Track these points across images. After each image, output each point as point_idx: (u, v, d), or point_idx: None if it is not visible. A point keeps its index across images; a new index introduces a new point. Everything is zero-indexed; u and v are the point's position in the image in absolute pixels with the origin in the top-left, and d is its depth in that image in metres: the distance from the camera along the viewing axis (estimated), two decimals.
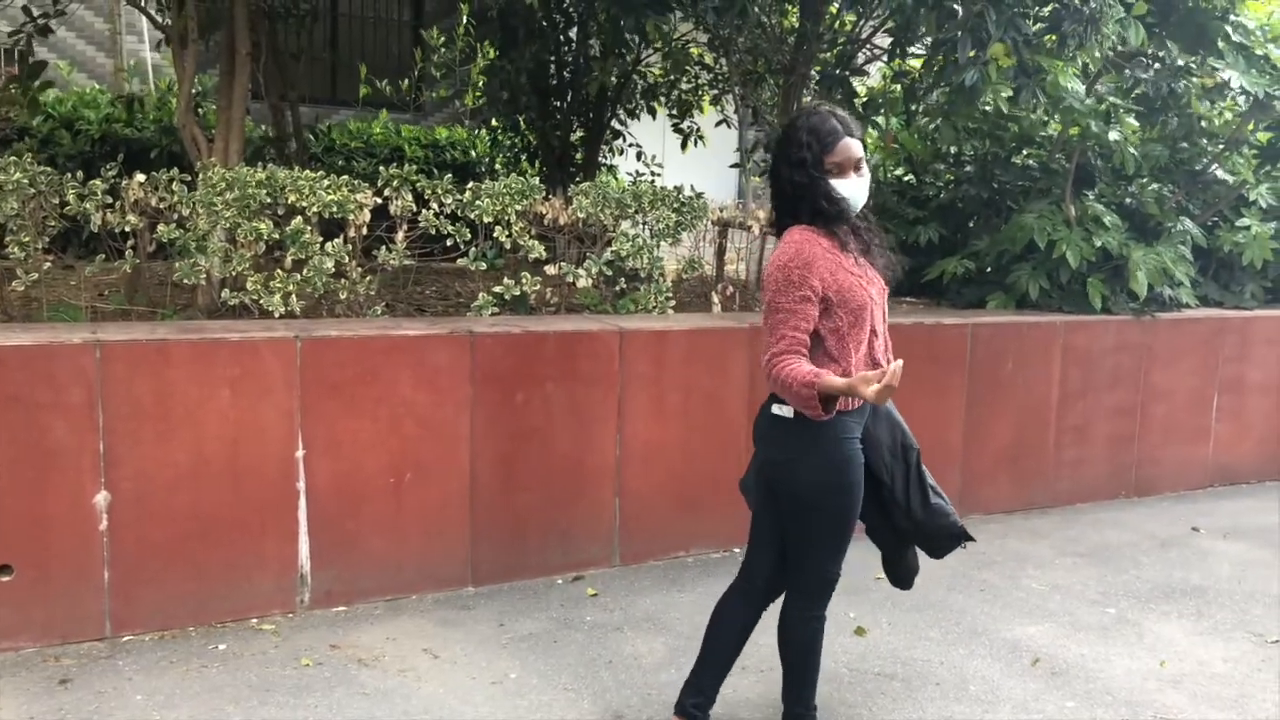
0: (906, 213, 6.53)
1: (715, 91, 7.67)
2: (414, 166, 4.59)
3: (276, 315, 4.11)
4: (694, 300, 5.63)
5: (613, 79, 6.05)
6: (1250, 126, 6.01)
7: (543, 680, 3.49)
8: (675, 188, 4.90)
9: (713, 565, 4.57)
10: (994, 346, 5.36)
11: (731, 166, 7.62)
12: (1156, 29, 5.43)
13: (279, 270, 4.09)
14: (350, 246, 4.26)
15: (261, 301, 4.10)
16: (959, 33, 4.16)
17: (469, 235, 4.47)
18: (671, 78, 7.76)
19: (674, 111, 7.85)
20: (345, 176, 4.30)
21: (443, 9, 9.88)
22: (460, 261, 4.50)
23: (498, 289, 4.51)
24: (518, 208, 4.45)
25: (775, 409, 2.77)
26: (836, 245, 2.71)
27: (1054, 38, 4.68)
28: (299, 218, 4.09)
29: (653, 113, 7.78)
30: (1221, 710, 3.48)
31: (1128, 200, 6.04)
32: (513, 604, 4.08)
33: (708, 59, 7.47)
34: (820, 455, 2.71)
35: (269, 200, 4.07)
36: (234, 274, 4.12)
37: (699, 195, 4.94)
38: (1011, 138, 6.48)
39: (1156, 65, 5.27)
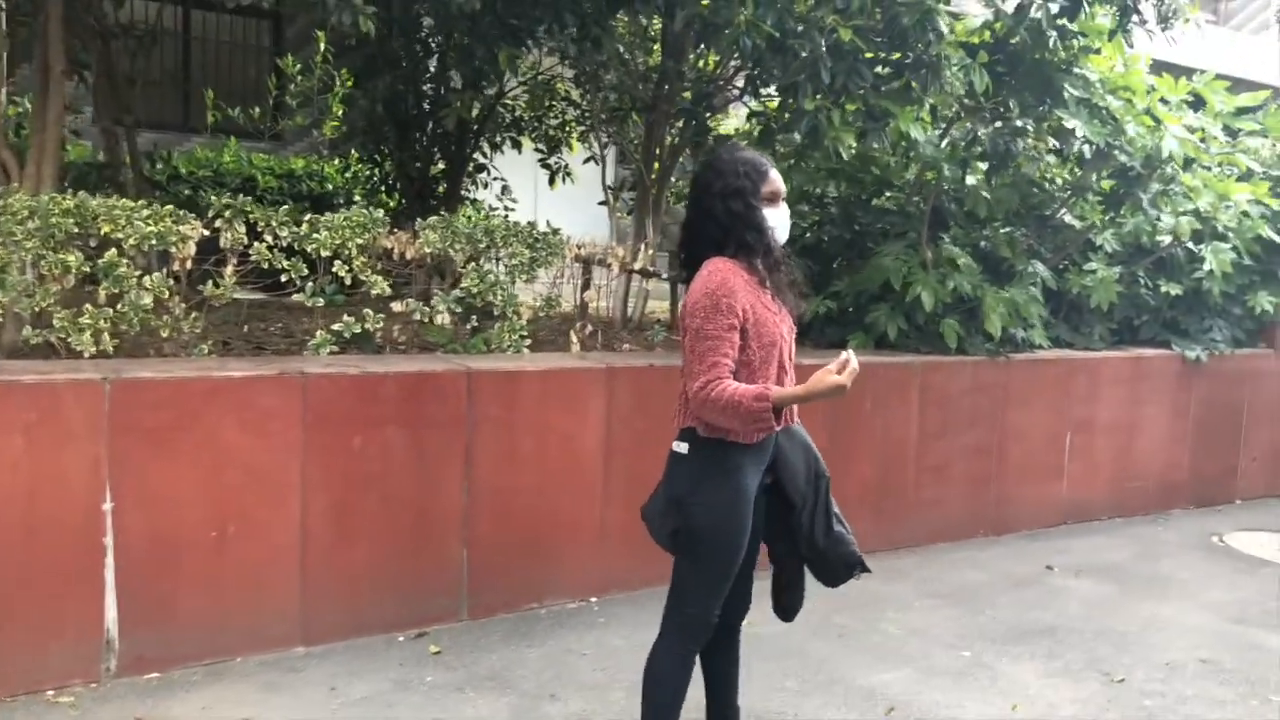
0: None
1: (583, 128, 7.58)
2: (248, 198, 4.29)
3: (86, 355, 3.76)
4: (556, 339, 5.46)
5: (472, 111, 5.89)
6: (1104, 174, 6.22)
7: None
8: (529, 223, 4.73)
9: (567, 617, 4.37)
10: (852, 386, 5.32)
11: (599, 204, 7.50)
12: (1006, 77, 5.57)
13: (87, 306, 3.75)
14: (173, 281, 3.94)
15: (70, 340, 3.75)
16: (801, 76, 4.14)
17: (306, 270, 4.20)
18: (538, 113, 7.65)
19: (541, 147, 7.72)
20: (169, 206, 3.99)
21: (302, 36, 9.54)
22: (296, 297, 4.23)
23: (336, 327, 4.26)
24: (359, 241, 4.21)
25: (675, 446, 2.85)
26: (755, 280, 2.76)
27: (901, 83, 4.73)
28: (114, 250, 3.76)
29: (518, 146, 7.62)
30: None
31: (982, 243, 6.16)
32: (347, 665, 3.80)
33: (574, 95, 7.38)
34: (711, 492, 2.76)
35: (77, 230, 3.73)
36: (39, 310, 3.76)
37: (555, 231, 4.79)
38: (872, 181, 6.57)
39: (998, 123, 5.38)
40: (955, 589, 5.06)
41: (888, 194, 6.58)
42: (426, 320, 4.45)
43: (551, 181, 7.76)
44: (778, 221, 2.82)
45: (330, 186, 8.11)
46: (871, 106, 4.58)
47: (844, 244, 6.53)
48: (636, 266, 5.28)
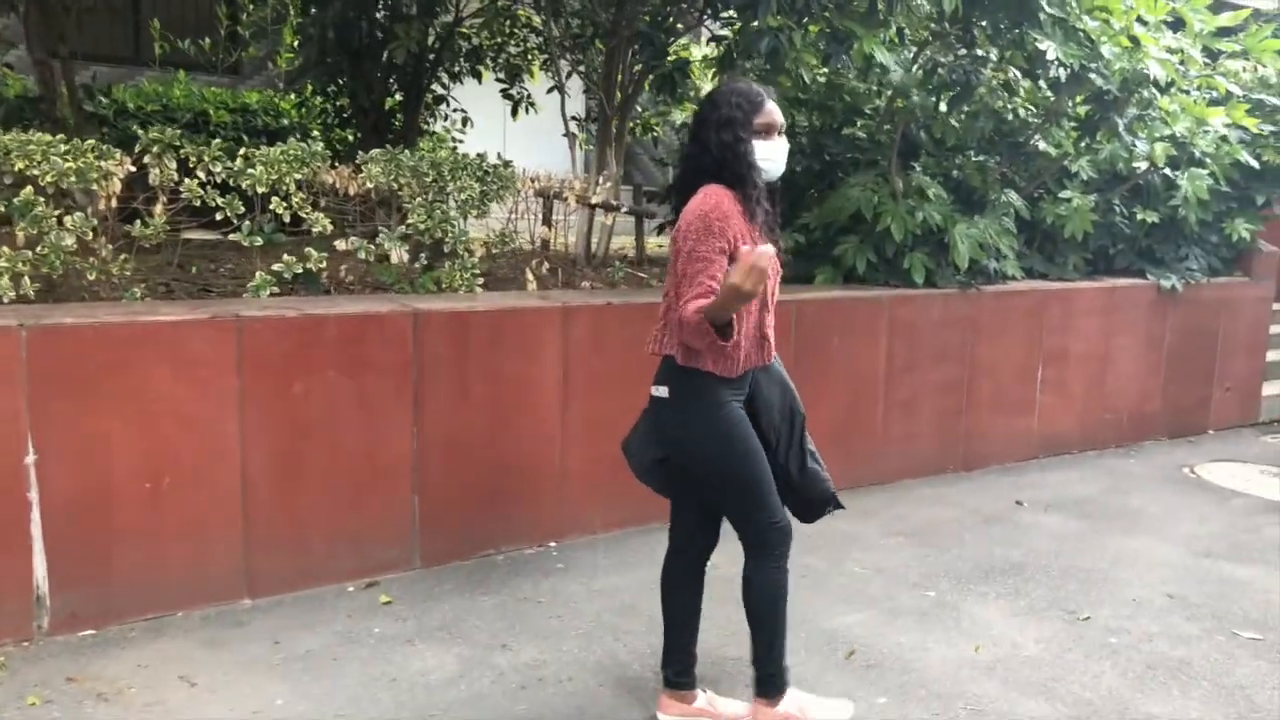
0: None
1: (545, 56, 7.29)
2: (177, 131, 4.06)
3: (5, 300, 3.57)
4: (515, 277, 5.28)
5: (427, 41, 5.63)
6: (1079, 99, 6.03)
7: (312, 706, 3.12)
8: (479, 156, 4.52)
9: (524, 563, 4.27)
10: (819, 322, 5.21)
11: (563, 136, 7.25)
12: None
13: (4, 249, 3.54)
14: (99, 221, 3.74)
15: None
16: None
17: (243, 208, 4.00)
18: (497, 40, 7.35)
19: (502, 77, 7.44)
20: (90, 141, 3.77)
21: None
22: (233, 236, 4.03)
23: (277, 267, 4.07)
24: (297, 176, 4.00)
25: (655, 390, 2.90)
26: (755, 209, 2.76)
27: (865, 3, 4.49)
28: (29, 187, 3.55)
29: (477, 76, 7.35)
30: (1030, 696, 3.38)
31: (954, 172, 5.98)
32: (293, 617, 3.68)
33: (536, 21, 7.09)
34: (701, 424, 2.79)
35: None
36: None
37: (507, 164, 4.59)
38: (841, 109, 6.36)
39: (961, 51, 5.15)
40: (923, 527, 4.98)
41: (859, 122, 6.38)
42: (372, 259, 4.26)
43: (515, 112, 7.49)
44: (771, 154, 2.80)
45: (286, 121, 7.82)
46: (835, 28, 4.36)
47: (813, 175, 6.34)
48: (595, 200, 5.08)
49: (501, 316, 4.19)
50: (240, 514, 3.69)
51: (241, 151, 3.99)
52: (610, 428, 4.50)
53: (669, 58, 5.57)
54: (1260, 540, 5.00)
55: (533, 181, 4.71)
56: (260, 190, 3.97)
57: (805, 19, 4.19)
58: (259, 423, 3.69)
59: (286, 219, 4.07)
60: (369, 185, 4.18)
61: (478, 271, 4.46)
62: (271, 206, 4.03)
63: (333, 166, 4.18)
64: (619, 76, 5.82)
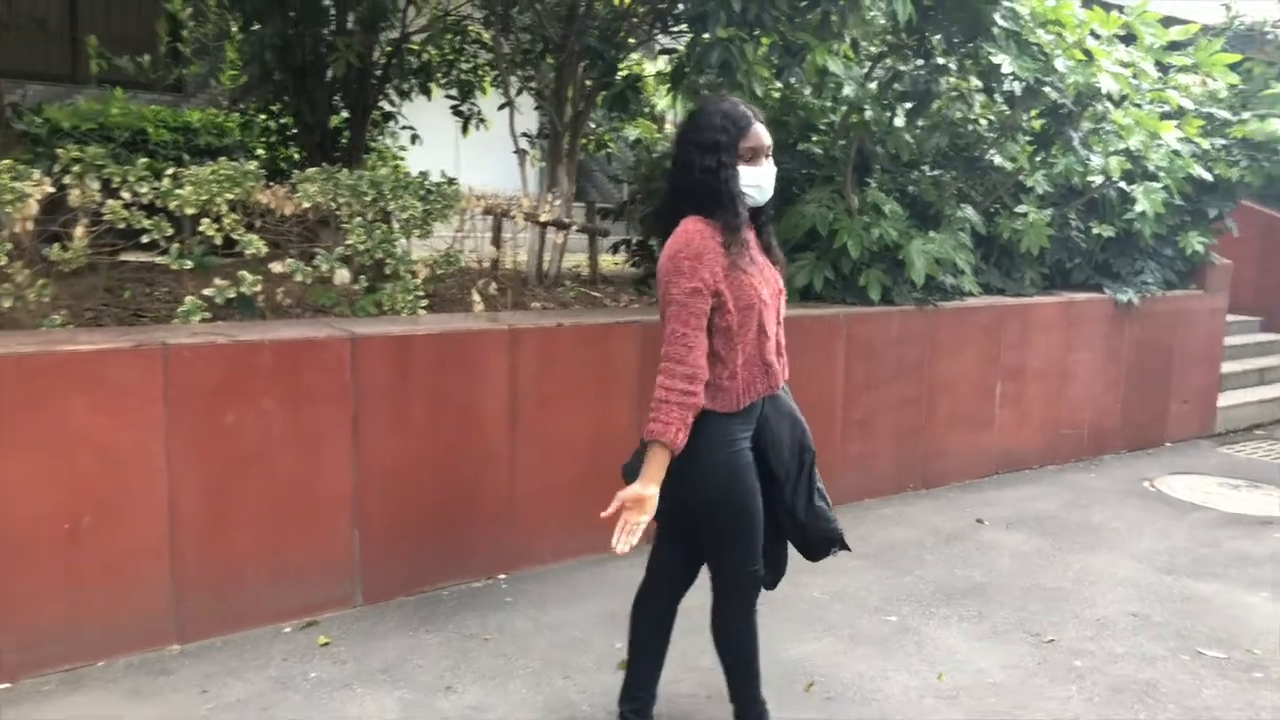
0: None
1: (496, 72, 7.16)
2: (97, 150, 3.86)
3: None
4: (462, 298, 5.12)
5: (372, 55, 5.47)
6: (1034, 113, 5.99)
7: None
8: (421, 174, 4.38)
9: (472, 598, 4.10)
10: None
11: (514, 153, 7.12)
12: (932, 11, 5.28)
13: None
14: (14, 245, 3.54)
15: None
16: (710, 5, 3.81)
17: (171, 230, 3.82)
18: (448, 56, 7.22)
19: (453, 93, 7.30)
20: (7, 161, 3.57)
21: None
22: (160, 260, 3.85)
23: (208, 292, 3.88)
24: (228, 196, 3.83)
25: None
26: (732, 240, 2.61)
27: (818, 15, 4.40)
28: None
29: (427, 93, 7.20)
30: None
31: (910, 188, 5.92)
32: (224, 663, 3.49)
33: (486, 37, 6.96)
34: (703, 465, 2.66)
35: None
36: None
37: (450, 181, 4.44)
38: (796, 124, 6.28)
39: (920, 61, 5.08)
40: (883, 548, 4.88)
41: (814, 138, 6.30)
42: (310, 281, 4.09)
43: (465, 129, 7.35)
44: (758, 180, 2.67)
45: (229, 140, 7.61)
46: (788, 40, 4.26)
47: None
48: (545, 218, 4.94)
49: (445, 340, 4.03)
50: (167, 553, 3.49)
51: (170, 171, 3.81)
52: (563, 453, 4.37)
53: (620, 73, 5.46)
54: (1220, 555, 4.95)
55: (479, 199, 4.56)
56: (189, 211, 3.79)
57: (757, 31, 4.09)
58: (187, 456, 3.50)
59: (218, 241, 3.89)
60: (305, 205, 4.01)
61: (421, 293, 4.30)
62: (202, 228, 3.85)
63: (268, 186, 4.01)
64: (570, 92, 5.70)
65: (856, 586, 4.39)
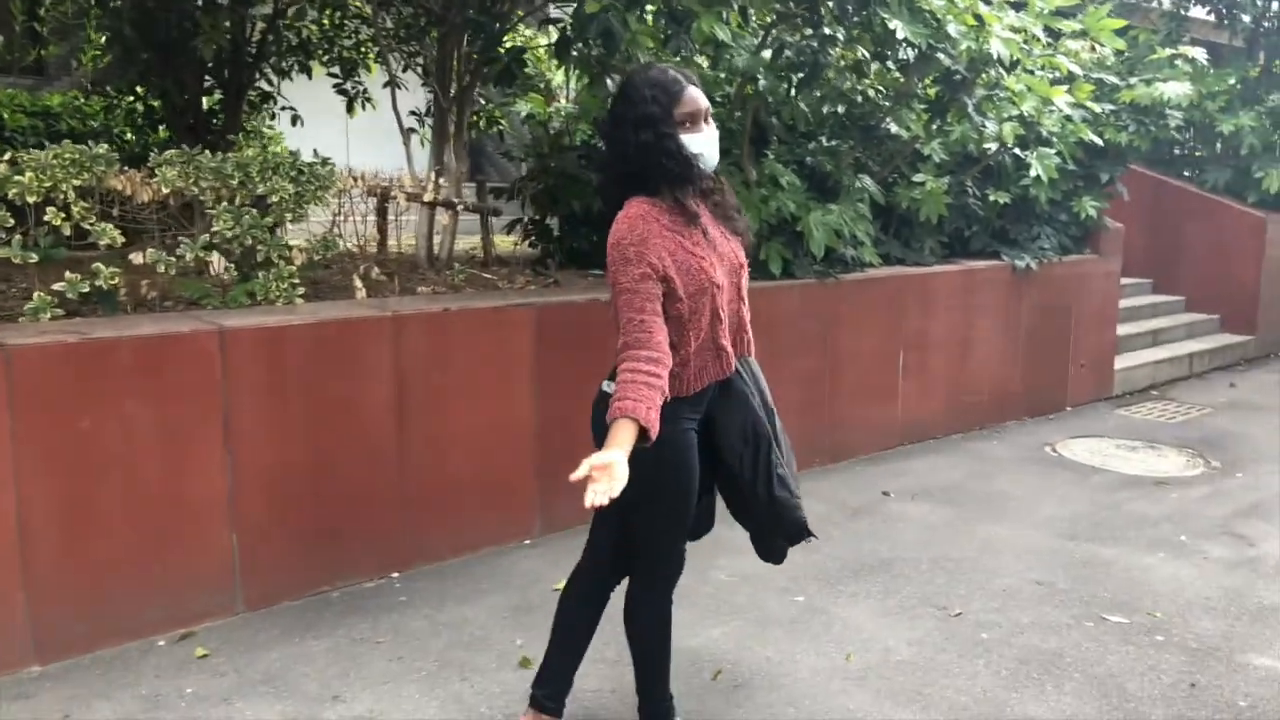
0: (590, 179, 6.06)
1: (378, 48, 6.86)
2: None
3: None
4: (347, 285, 4.87)
5: (241, 34, 5.15)
6: (928, 80, 5.95)
7: None
8: (292, 154, 4.12)
9: (363, 598, 3.89)
10: None
11: (409, 131, 6.84)
12: None
13: None
14: None
15: None
16: None
17: (11, 220, 3.50)
18: (329, 33, 6.90)
19: (335, 71, 6.98)
20: None
21: None
22: (2, 253, 3.53)
23: (58, 287, 3.58)
24: (75, 183, 3.53)
25: (605, 385, 2.60)
26: (680, 220, 2.51)
27: None
28: None
29: (307, 71, 6.87)
30: (904, 706, 3.21)
31: (808, 159, 5.83)
32: (90, 683, 3.23)
33: (366, 11, 6.65)
34: (658, 443, 2.43)
35: None
36: None
37: (324, 162, 4.19)
38: None
39: (809, 31, 4.98)
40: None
41: (717, 108, 6.17)
42: (173, 273, 3.81)
43: (350, 109, 7.05)
44: (700, 147, 2.51)
45: (93, 124, 7.16)
46: (674, 8, 4.12)
47: None
48: (427, 198, 4.72)
49: (323, 329, 3.80)
50: (19, 570, 3.21)
51: (6, 156, 3.49)
52: (457, 445, 4.18)
53: (505, 46, 5.24)
54: (1120, 518, 5.00)
55: (358, 180, 4.32)
56: (31, 199, 3.48)
57: None
58: (38, 465, 3.22)
59: (68, 231, 3.59)
60: (165, 190, 3.73)
61: (297, 281, 4.05)
62: (47, 218, 3.54)
63: (123, 170, 3.71)
64: (453, 67, 5.46)
65: (764, 567, 4.24)
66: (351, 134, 8.22)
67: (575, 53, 4.39)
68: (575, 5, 4.04)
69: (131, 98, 6.58)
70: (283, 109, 6.97)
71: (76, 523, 3.31)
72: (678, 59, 4.58)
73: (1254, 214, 9.41)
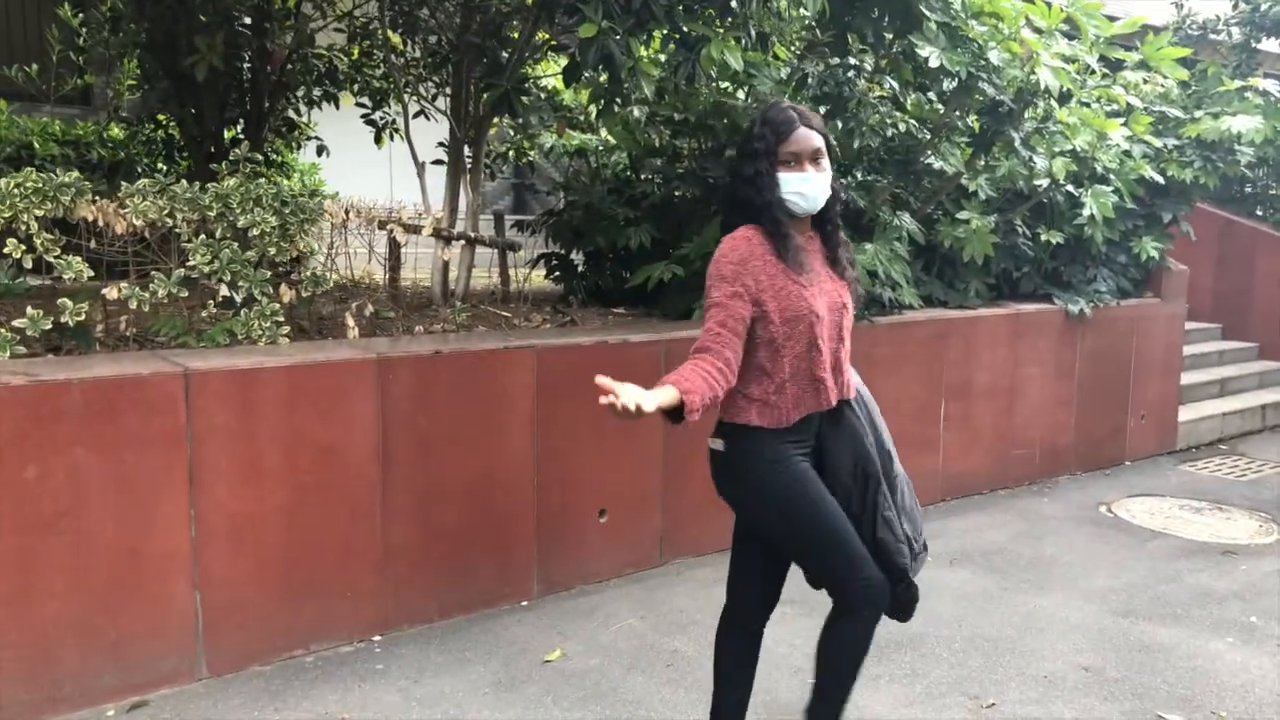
0: (617, 213, 5.78)
1: (406, 78, 6.68)
2: None
3: None
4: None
5: (230, 59, 4.96)
6: (972, 112, 5.58)
7: None
8: (273, 184, 3.88)
9: (338, 664, 3.59)
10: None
11: (435, 163, 6.63)
12: (860, 3, 4.86)
13: None
14: None
15: None
16: None
17: None
18: (358, 61, 6.74)
19: (364, 101, 6.82)
20: None
21: None
22: None
23: (19, 323, 3.37)
24: (39, 213, 3.32)
25: (710, 443, 2.68)
26: (783, 249, 2.55)
27: (714, 5, 3.94)
28: None
29: (334, 101, 6.71)
30: None
31: (842, 195, 5.47)
32: None
33: (395, 40, 6.48)
34: (754, 485, 2.62)
35: None
36: None
37: (313, 193, 3.96)
38: (724, 130, 5.84)
39: (834, 60, 4.66)
40: (812, 592, 4.40)
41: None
42: (145, 309, 3.59)
43: (378, 140, 6.86)
44: (799, 186, 2.56)
45: (123, 154, 7.07)
46: (685, 33, 3.82)
47: (695, 201, 5.80)
48: (427, 231, 4.46)
49: (301, 372, 3.54)
50: None
51: None
52: (445, 497, 3.89)
53: (525, 72, 4.98)
54: (1182, 591, 4.53)
55: (351, 213, 4.07)
56: None
57: (649, 23, 3.63)
58: None
59: (28, 264, 3.38)
60: (138, 222, 3.51)
61: (281, 319, 3.80)
62: (7, 250, 3.33)
63: (94, 200, 3.50)
64: (468, 96, 5.23)
65: (780, 640, 3.92)
66: (395, 164, 8.05)
67: (597, 82, 4.10)
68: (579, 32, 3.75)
69: (153, 126, 6.46)
70: (309, 139, 6.81)
71: (20, 581, 3.07)
72: (689, 86, 4.28)
73: None
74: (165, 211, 3.53)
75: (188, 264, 3.62)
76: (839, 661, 2.75)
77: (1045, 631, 4.05)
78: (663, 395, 2.30)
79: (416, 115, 6.33)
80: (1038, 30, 5.31)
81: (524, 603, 4.13)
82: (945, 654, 3.84)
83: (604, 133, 6.52)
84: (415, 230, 4.41)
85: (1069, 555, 4.97)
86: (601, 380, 2.20)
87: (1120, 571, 4.77)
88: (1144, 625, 4.14)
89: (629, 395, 2.20)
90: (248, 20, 5.74)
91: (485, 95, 4.57)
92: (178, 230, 3.60)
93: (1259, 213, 9.49)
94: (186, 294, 3.61)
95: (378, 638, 3.77)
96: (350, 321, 4.06)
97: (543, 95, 6.46)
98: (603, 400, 2.18)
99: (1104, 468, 6.67)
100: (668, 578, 4.47)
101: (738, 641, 2.90)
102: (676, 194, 6.00)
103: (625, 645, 3.80)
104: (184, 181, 3.60)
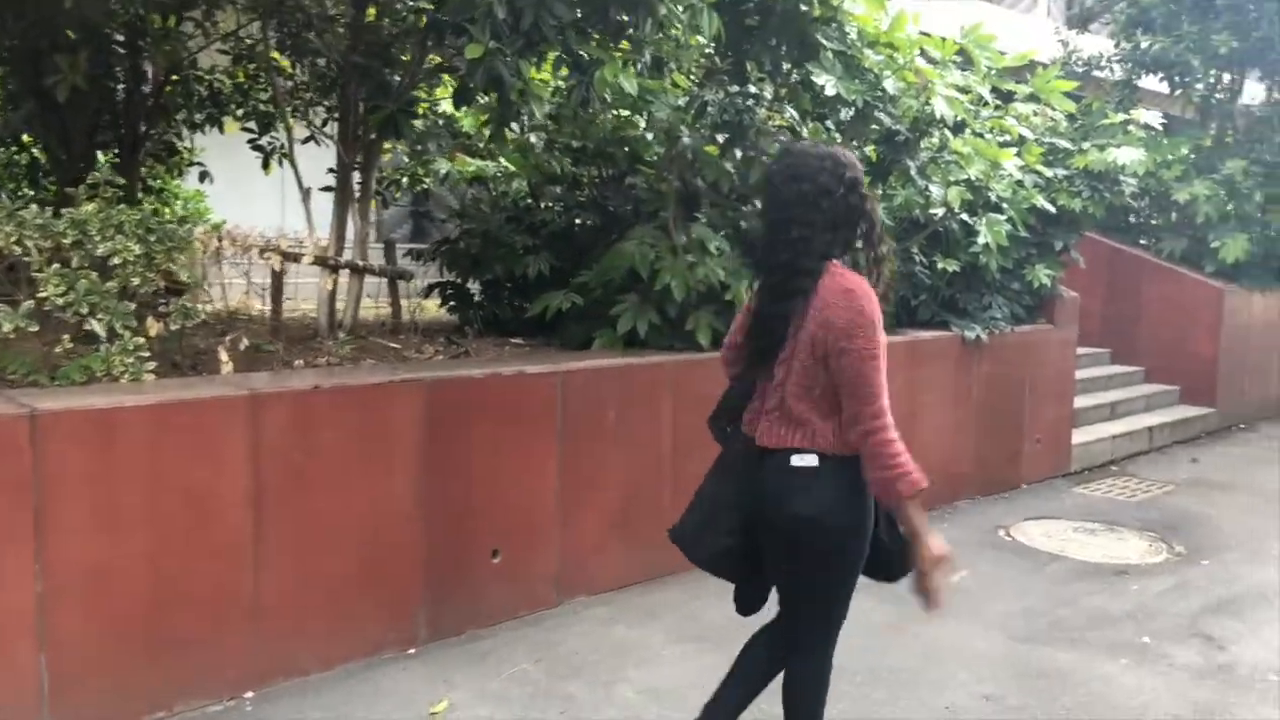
0: (516, 241, 5.64)
1: (296, 102, 6.45)
2: None
3: None
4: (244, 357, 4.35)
5: (98, 80, 4.70)
6: (869, 142, 5.61)
7: None
8: (145, 212, 3.65)
9: None
10: (591, 395, 4.51)
11: (325, 190, 6.39)
12: (757, 30, 4.84)
13: None
14: None
15: None
16: (473, 13, 3.22)
17: None
18: (243, 84, 6.48)
19: (251, 126, 6.55)
20: None
21: None
22: None
23: None
24: None
25: (796, 460, 2.59)
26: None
27: (606, 30, 3.86)
28: None
29: (218, 125, 6.43)
30: None
31: (742, 223, 5.44)
32: None
33: (283, 63, 6.25)
34: (853, 504, 2.60)
35: None
36: None
37: (182, 220, 3.73)
38: (623, 157, 5.78)
39: (733, 88, 4.63)
40: (717, 627, 4.28)
41: (647, 170, 5.79)
42: None
43: (266, 166, 6.59)
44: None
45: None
46: (579, 56, 3.73)
47: (595, 230, 5.71)
48: (306, 260, 4.26)
49: (166, 412, 3.30)
50: None
51: None
52: (325, 542, 3.66)
53: (416, 95, 4.82)
54: (1079, 615, 4.55)
55: (225, 241, 3.85)
56: None
57: (539, 44, 3.52)
58: None
59: None
60: None
61: (147, 354, 3.55)
62: None
63: None
64: (355, 121, 5.04)
65: (680, 679, 3.79)
66: (288, 192, 7.77)
67: (494, 107, 3.96)
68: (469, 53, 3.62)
69: (16, 148, 6.09)
70: (191, 165, 6.51)
71: None
72: (585, 111, 4.19)
73: (1211, 284, 9.18)
74: (13, 239, 3.27)
75: (38, 295, 3.35)
76: (817, 694, 2.86)
77: (947, 661, 4.01)
78: (926, 522, 2.53)
79: (306, 140, 6.11)
80: (932, 61, 5.38)
81: (411, 650, 3.91)
82: (848, 687, 3.76)
83: (504, 160, 6.39)
84: (295, 259, 4.20)
85: (970, 582, 4.96)
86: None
87: (1020, 596, 4.78)
88: (1043, 650, 4.13)
89: (941, 579, 2.52)
90: (120, 38, 5.46)
91: (372, 117, 4.40)
92: (27, 259, 3.34)
93: (1143, 242, 9.82)
94: (37, 328, 3.34)
95: (250, 694, 3.52)
96: (223, 356, 3.83)
97: (440, 120, 6.30)
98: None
99: (1002, 491, 6.74)
100: (565, 618, 4.31)
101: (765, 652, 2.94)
102: (576, 222, 5.90)
103: (517, 692, 3.63)
104: (34, 206, 3.34)
